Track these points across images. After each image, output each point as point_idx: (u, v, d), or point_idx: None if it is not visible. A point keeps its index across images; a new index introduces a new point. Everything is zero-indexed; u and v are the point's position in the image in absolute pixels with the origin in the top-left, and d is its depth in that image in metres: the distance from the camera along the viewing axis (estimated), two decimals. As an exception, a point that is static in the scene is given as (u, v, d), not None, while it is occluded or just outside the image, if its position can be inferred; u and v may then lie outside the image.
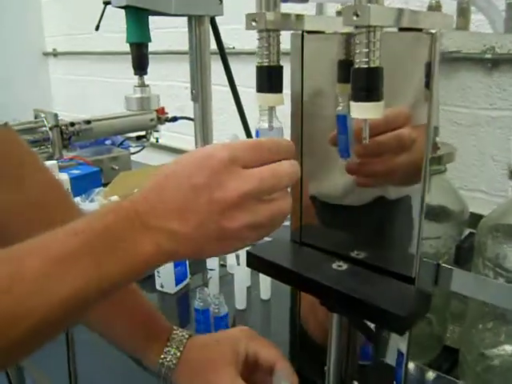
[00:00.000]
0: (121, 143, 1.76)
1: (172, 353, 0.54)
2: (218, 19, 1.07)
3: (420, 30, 0.43)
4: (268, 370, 0.54)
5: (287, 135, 0.55)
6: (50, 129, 1.53)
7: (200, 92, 1.05)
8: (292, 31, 0.52)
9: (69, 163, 1.47)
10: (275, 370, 0.53)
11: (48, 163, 1.07)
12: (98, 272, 0.36)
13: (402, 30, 0.44)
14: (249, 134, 1.20)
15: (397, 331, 0.45)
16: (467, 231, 0.62)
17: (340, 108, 0.52)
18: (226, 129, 1.51)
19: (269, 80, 0.46)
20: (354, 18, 0.38)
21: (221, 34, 1.11)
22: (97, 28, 0.98)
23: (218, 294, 0.71)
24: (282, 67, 0.46)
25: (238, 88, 1.20)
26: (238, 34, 1.85)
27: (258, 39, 0.46)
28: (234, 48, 1.89)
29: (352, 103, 0.40)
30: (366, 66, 0.39)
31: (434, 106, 0.45)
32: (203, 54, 1.03)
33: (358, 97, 0.40)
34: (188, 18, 1.01)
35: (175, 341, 0.55)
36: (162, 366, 0.53)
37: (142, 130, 1.75)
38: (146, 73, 0.98)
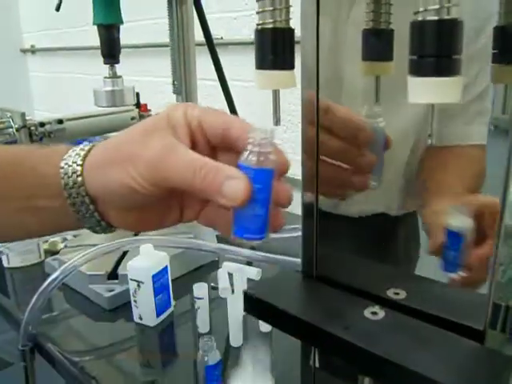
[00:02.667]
0: (99, 145, 1.60)
1: (76, 152, 0.36)
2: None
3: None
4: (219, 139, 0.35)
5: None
6: (17, 130, 1.38)
7: (183, 83, 0.90)
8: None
9: (39, 168, 1.30)
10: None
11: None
12: None
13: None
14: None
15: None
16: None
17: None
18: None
19: (274, 49, 0.31)
20: None
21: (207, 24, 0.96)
22: (57, 8, 0.82)
23: (209, 336, 0.56)
24: (293, 30, 0.31)
25: (227, 82, 1.04)
26: (226, 24, 1.70)
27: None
28: (221, 38, 1.74)
29: (411, 79, 0.25)
30: (435, 17, 0.24)
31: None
32: (186, 39, 0.88)
33: (421, 68, 0.25)
34: (167, -2, 0.85)
35: (78, 147, 0.37)
36: (66, 166, 0.36)
37: (122, 129, 1.59)
38: (117, 61, 0.83)
